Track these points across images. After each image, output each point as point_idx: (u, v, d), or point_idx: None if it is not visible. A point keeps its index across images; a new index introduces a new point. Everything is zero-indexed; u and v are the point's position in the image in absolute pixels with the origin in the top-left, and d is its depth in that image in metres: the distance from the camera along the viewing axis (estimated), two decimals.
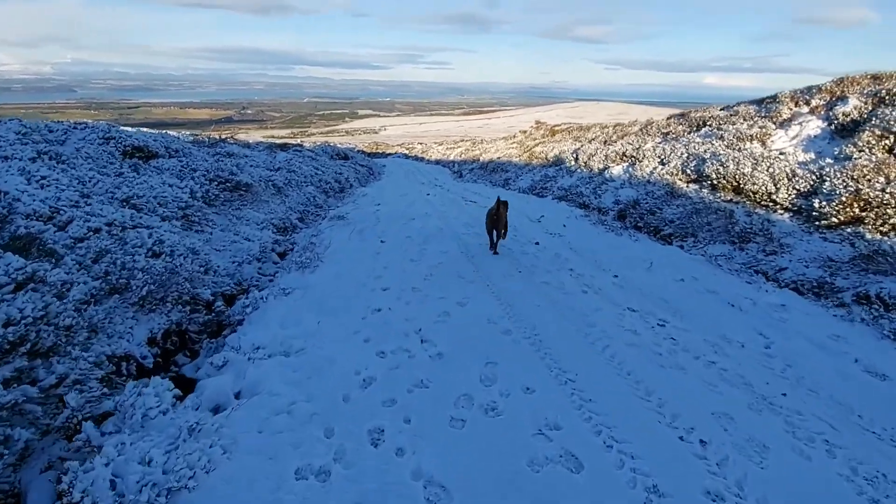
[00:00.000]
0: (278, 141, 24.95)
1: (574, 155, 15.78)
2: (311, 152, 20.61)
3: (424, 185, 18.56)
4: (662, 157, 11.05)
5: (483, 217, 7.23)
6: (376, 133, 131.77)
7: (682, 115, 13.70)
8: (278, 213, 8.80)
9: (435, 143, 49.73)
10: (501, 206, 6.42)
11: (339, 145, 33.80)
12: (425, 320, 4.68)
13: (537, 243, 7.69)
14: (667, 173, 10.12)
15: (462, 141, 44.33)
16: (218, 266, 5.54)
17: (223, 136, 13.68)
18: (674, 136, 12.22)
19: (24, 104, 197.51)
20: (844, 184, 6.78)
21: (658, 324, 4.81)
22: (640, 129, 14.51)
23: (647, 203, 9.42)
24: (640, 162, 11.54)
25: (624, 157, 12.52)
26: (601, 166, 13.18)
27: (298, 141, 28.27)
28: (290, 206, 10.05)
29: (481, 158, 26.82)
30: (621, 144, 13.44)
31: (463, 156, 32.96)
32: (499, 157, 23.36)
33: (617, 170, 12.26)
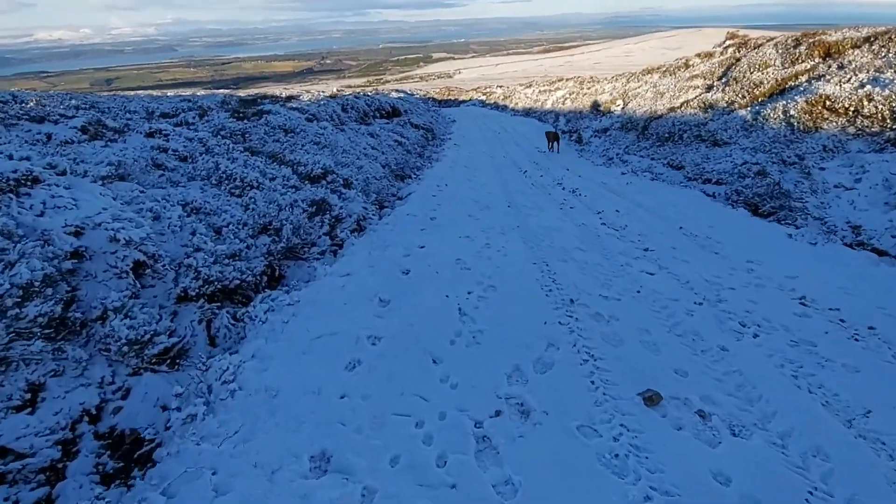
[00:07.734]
0: (295, 91, 14.29)
1: None
2: (305, 114, 10.08)
3: (548, 200, 7.39)
4: None
5: None
6: (451, 77, 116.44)
7: None
8: None
9: (520, 85, 36.46)
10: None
11: (392, 94, 22.62)
12: None
13: None
14: None
15: (561, 80, 30.71)
16: None
17: None
18: None
19: (136, 65, 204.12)
20: None
21: None
22: None
23: None
24: None
25: None
26: None
27: (335, 88, 17.40)
28: None
29: (625, 110, 14.51)
30: None
31: (572, 102, 20.40)
32: (674, 110, 11.16)
33: None
